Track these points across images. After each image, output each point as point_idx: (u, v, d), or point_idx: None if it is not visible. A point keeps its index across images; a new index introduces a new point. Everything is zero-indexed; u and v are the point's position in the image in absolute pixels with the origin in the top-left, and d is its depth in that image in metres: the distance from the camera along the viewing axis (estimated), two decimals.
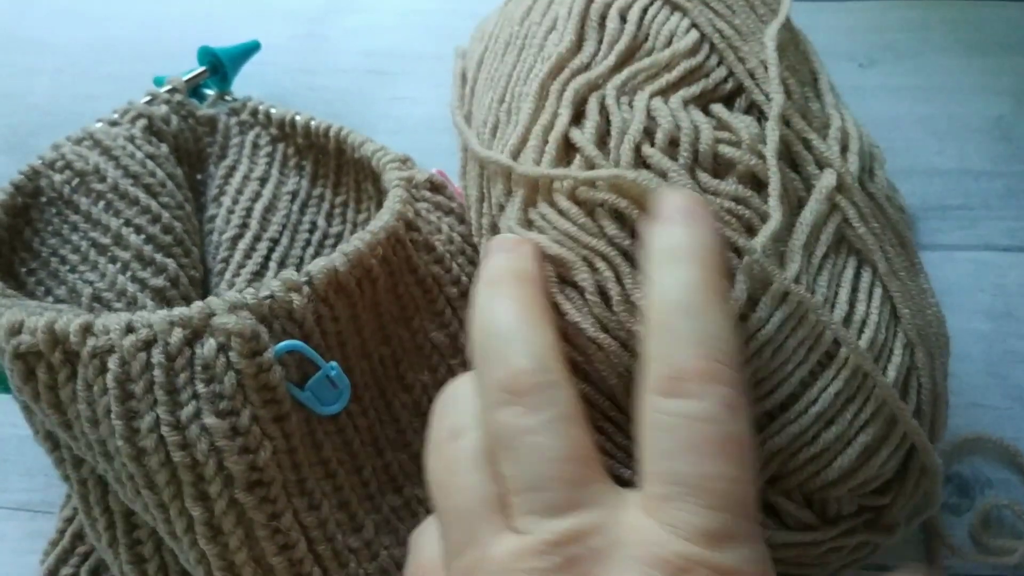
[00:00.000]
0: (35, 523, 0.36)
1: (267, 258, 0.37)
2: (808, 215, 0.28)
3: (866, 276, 0.29)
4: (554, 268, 0.27)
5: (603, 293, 0.27)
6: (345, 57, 0.49)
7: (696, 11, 0.32)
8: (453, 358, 0.34)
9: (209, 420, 0.26)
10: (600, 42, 0.31)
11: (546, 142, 0.29)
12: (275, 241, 0.37)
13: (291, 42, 0.49)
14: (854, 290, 0.28)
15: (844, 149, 0.30)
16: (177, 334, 0.26)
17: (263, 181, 0.39)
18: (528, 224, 0.28)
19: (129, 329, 0.26)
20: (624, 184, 0.27)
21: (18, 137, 0.46)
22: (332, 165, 0.39)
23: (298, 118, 0.39)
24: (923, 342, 0.29)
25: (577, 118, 0.29)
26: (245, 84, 0.44)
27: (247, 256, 0.36)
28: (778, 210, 0.27)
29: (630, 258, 0.27)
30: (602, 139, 0.29)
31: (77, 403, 0.26)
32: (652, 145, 0.28)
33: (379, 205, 0.38)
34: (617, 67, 0.30)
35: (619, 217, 0.27)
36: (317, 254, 0.38)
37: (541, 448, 0.22)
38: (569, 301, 0.27)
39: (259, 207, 0.38)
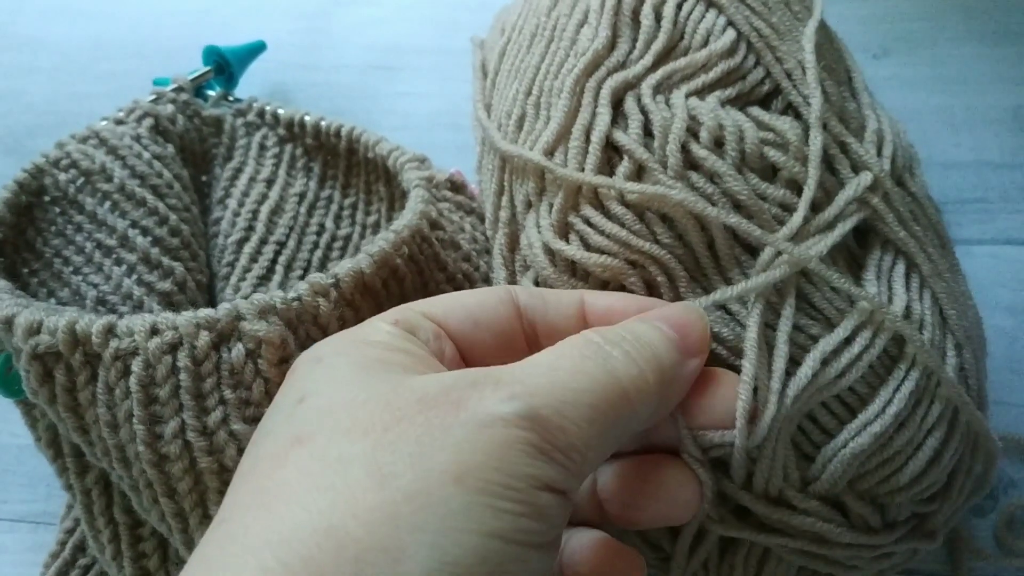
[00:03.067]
0: (36, 535, 0.36)
1: (273, 261, 0.36)
2: (832, 210, 0.28)
3: (916, 278, 0.28)
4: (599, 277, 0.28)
5: (652, 295, 0.27)
6: (347, 52, 0.48)
7: (732, 8, 0.31)
8: None
9: (237, 426, 0.25)
10: (635, 40, 0.30)
11: (588, 142, 0.28)
12: (282, 244, 0.37)
13: (292, 37, 0.48)
14: (908, 290, 0.28)
15: (880, 151, 0.30)
16: (204, 337, 0.25)
17: (270, 183, 0.38)
18: (566, 227, 0.28)
19: (154, 331, 0.25)
20: (670, 201, 0.26)
21: (15, 138, 0.45)
22: (342, 166, 0.39)
23: (307, 118, 0.38)
24: (969, 343, 0.28)
25: (615, 119, 0.29)
26: (245, 81, 0.43)
27: (253, 260, 0.36)
28: (801, 212, 0.27)
29: (681, 261, 0.27)
30: (644, 140, 0.28)
31: (96, 407, 0.25)
32: (699, 144, 0.28)
33: (390, 206, 0.37)
34: (654, 67, 0.30)
35: (665, 218, 0.27)
36: (325, 257, 0.37)
37: None
38: None
39: (265, 209, 0.37)
